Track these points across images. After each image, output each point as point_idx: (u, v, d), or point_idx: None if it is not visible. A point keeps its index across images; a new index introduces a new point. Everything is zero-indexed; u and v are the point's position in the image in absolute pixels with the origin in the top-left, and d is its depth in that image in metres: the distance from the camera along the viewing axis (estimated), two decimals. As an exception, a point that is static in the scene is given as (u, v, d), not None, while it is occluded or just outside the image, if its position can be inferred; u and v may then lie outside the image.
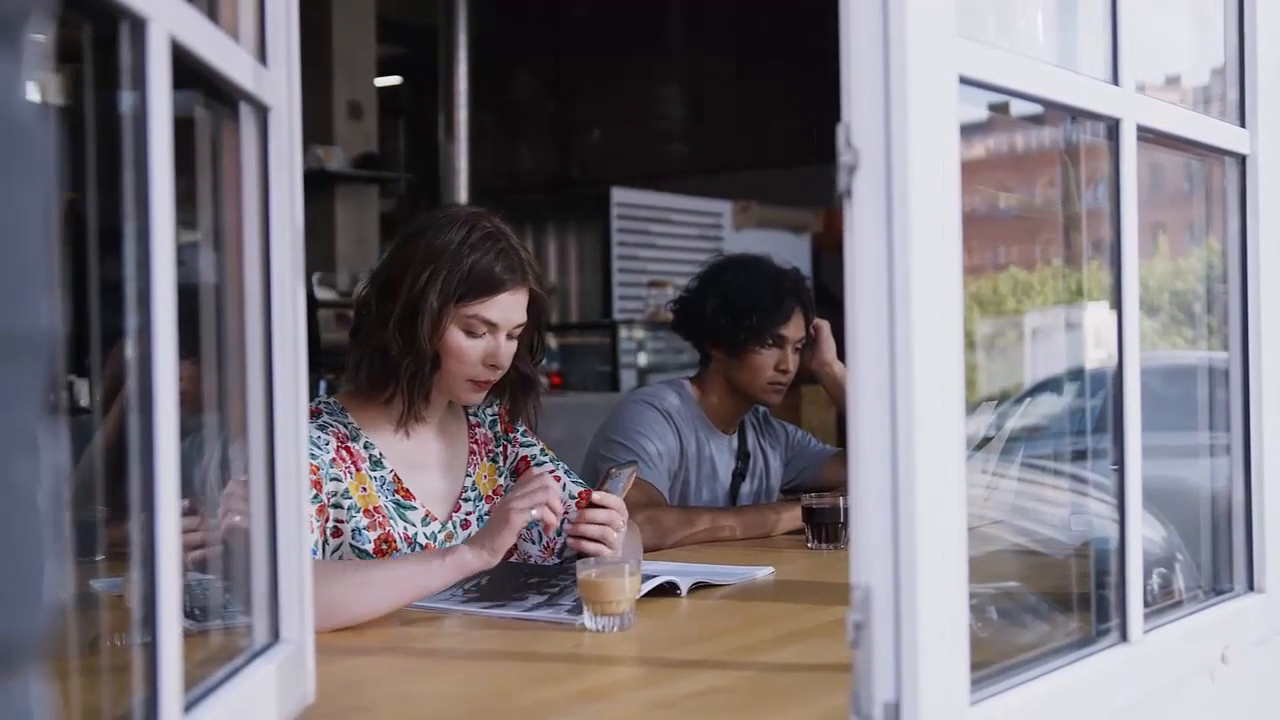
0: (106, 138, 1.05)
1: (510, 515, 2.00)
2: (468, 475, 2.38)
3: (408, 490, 2.27)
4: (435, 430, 2.34)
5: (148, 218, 1.03)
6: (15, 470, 0.57)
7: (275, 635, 1.39)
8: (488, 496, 2.38)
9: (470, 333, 2.22)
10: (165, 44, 1.04)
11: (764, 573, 2.38)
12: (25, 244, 0.58)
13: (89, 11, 0.99)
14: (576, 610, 1.93)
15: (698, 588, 2.20)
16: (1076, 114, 1.59)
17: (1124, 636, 1.54)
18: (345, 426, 2.25)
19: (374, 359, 2.23)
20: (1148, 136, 1.61)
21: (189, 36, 1.10)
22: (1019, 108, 1.57)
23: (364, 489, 2.21)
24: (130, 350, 1.04)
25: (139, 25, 1.01)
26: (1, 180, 0.58)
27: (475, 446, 2.41)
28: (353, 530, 2.18)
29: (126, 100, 1.04)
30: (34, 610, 0.58)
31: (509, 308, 2.23)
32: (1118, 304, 1.56)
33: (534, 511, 2.00)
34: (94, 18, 1.01)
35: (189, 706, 1.11)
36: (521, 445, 2.46)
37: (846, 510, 2.67)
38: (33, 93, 0.61)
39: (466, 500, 2.36)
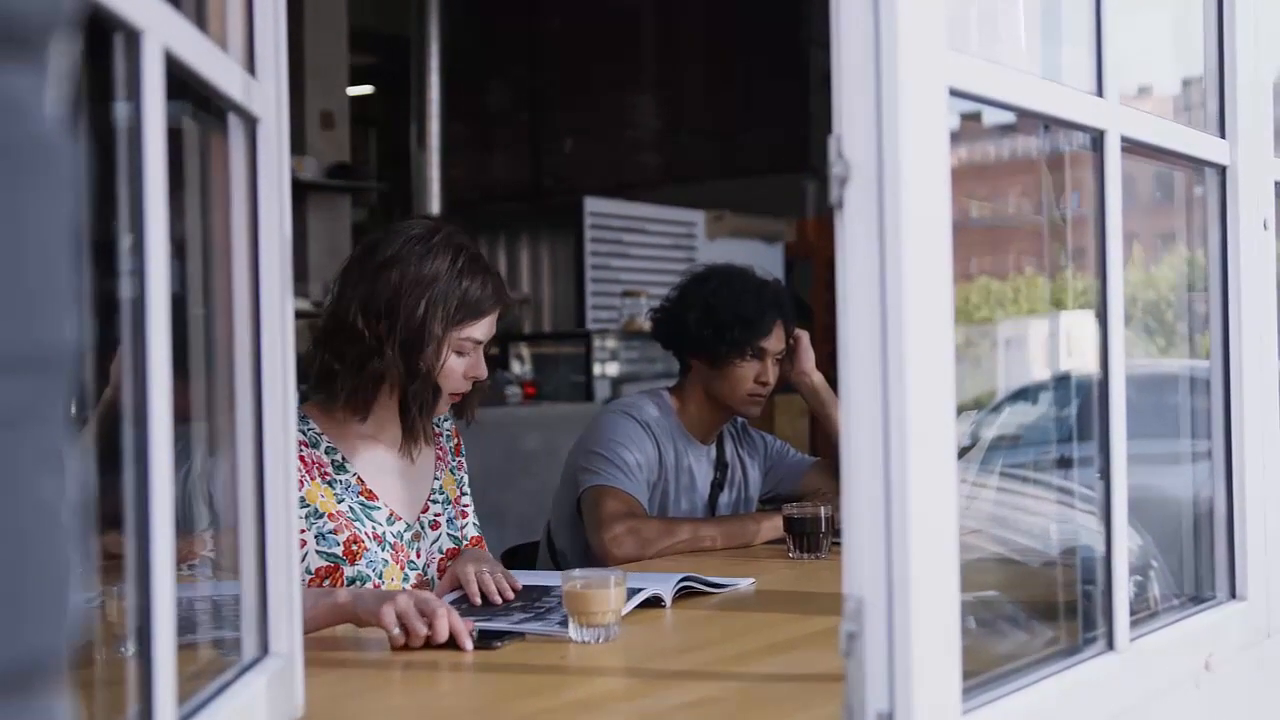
0: (99, 148, 1.05)
1: (381, 615, 1.86)
2: (435, 478, 2.44)
3: (371, 491, 2.32)
4: (399, 436, 2.37)
5: (142, 228, 1.02)
6: (42, 486, 0.57)
7: (264, 649, 1.39)
8: (454, 501, 2.47)
9: (460, 353, 2.30)
10: (159, 55, 1.04)
11: (746, 583, 2.38)
12: (51, 260, 0.58)
13: (82, 22, 0.99)
14: (565, 625, 1.92)
15: (684, 595, 2.20)
16: (1062, 125, 1.60)
17: (1111, 645, 1.55)
18: (305, 433, 2.28)
19: (370, 384, 2.27)
20: (1130, 147, 1.62)
21: (182, 48, 1.10)
22: (990, 117, 1.58)
23: (322, 495, 2.25)
24: (124, 362, 1.03)
25: (133, 37, 1.01)
26: (27, 196, 0.58)
27: (440, 453, 2.49)
28: (317, 536, 2.22)
29: (120, 111, 1.04)
30: (59, 626, 0.58)
31: (491, 324, 2.34)
32: (1103, 314, 1.57)
33: (395, 631, 1.85)
34: (87, 29, 1.01)
35: (182, 721, 1.11)
36: (465, 470, 2.56)
37: (828, 520, 2.68)
38: (56, 107, 0.60)
39: (435, 502, 2.43)
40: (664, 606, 2.14)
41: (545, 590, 2.21)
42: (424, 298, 2.24)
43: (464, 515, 2.51)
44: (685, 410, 3.11)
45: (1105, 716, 1.53)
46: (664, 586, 2.17)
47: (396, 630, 1.85)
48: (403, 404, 2.30)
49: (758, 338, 3.02)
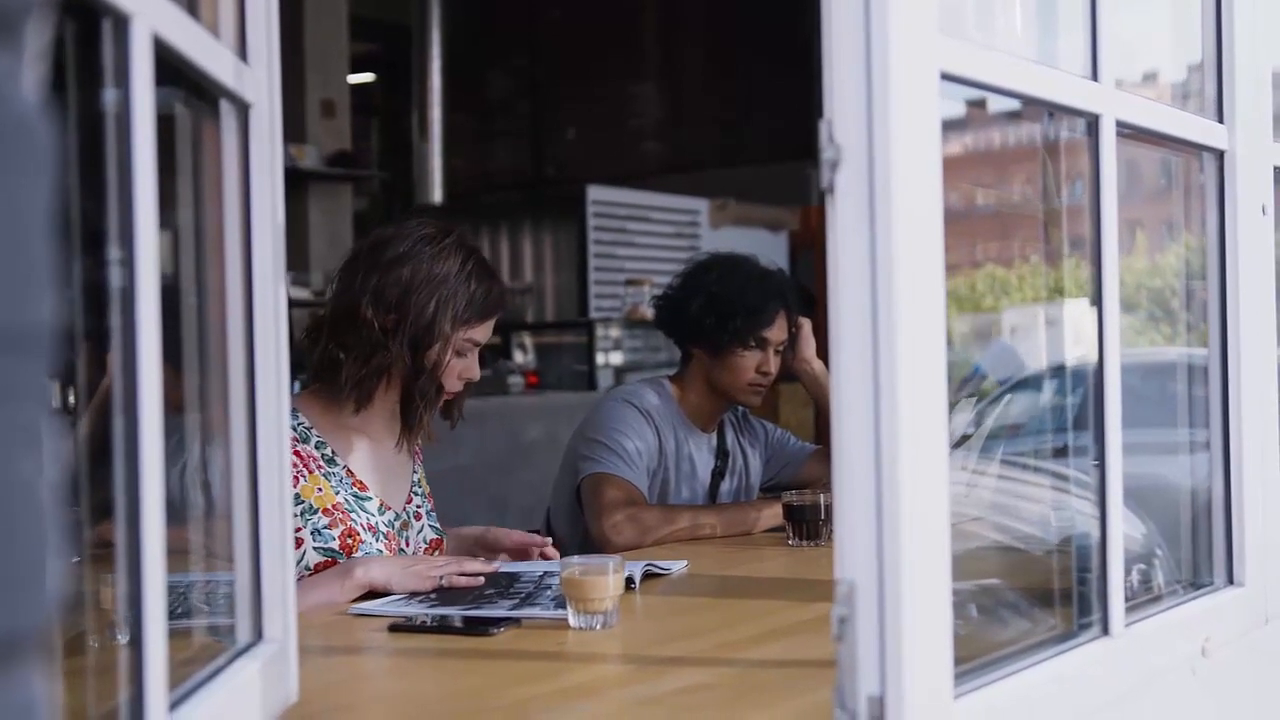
0: (87, 134, 1.05)
1: (423, 580, 2.14)
2: (415, 472, 2.50)
3: (362, 482, 2.35)
4: (385, 431, 2.41)
5: (131, 216, 1.02)
6: (20, 464, 0.57)
7: (259, 634, 1.39)
8: (429, 494, 2.53)
9: (460, 353, 2.35)
10: (148, 41, 1.04)
11: (679, 566, 2.41)
12: (29, 240, 0.58)
13: (71, 7, 0.99)
14: (560, 605, 1.93)
15: (683, 585, 2.22)
16: (1057, 110, 1.60)
17: (1105, 630, 1.55)
18: (294, 428, 2.30)
19: (374, 376, 2.31)
20: (1126, 132, 1.62)
21: (171, 33, 1.10)
22: (996, 104, 1.58)
23: (319, 489, 2.29)
24: (113, 351, 1.03)
25: (122, 22, 1.01)
26: (3, 177, 0.58)
27: (417, 450, 2.53)
28: (313, 532, 2.25)
29: (108, 97, 1.04)
30: (38, 604, 0.58)
31: (490, 328, 2.40)
32: (1098, 300, 1.56)
33: (443, 581, 2.15)
34: (75, 13, 1.01)
35: (174, 705, 1.11)
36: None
37: (827, 507, 2.68)
38: (33, 90, 0.61)
39: (416, 494, 2.48)
40: (634, 589, 2.15)
41: (515, 577, 2.22)
42: (435, 296, 2.29)
43: (419, 520, 2.53)
44: (686, 398, 3.11)
45: (1099, 701, 1.53)
46: (633, 569, 2.19)
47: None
48: (405, 398, 2.34)
49: (760, 327, 3.02)
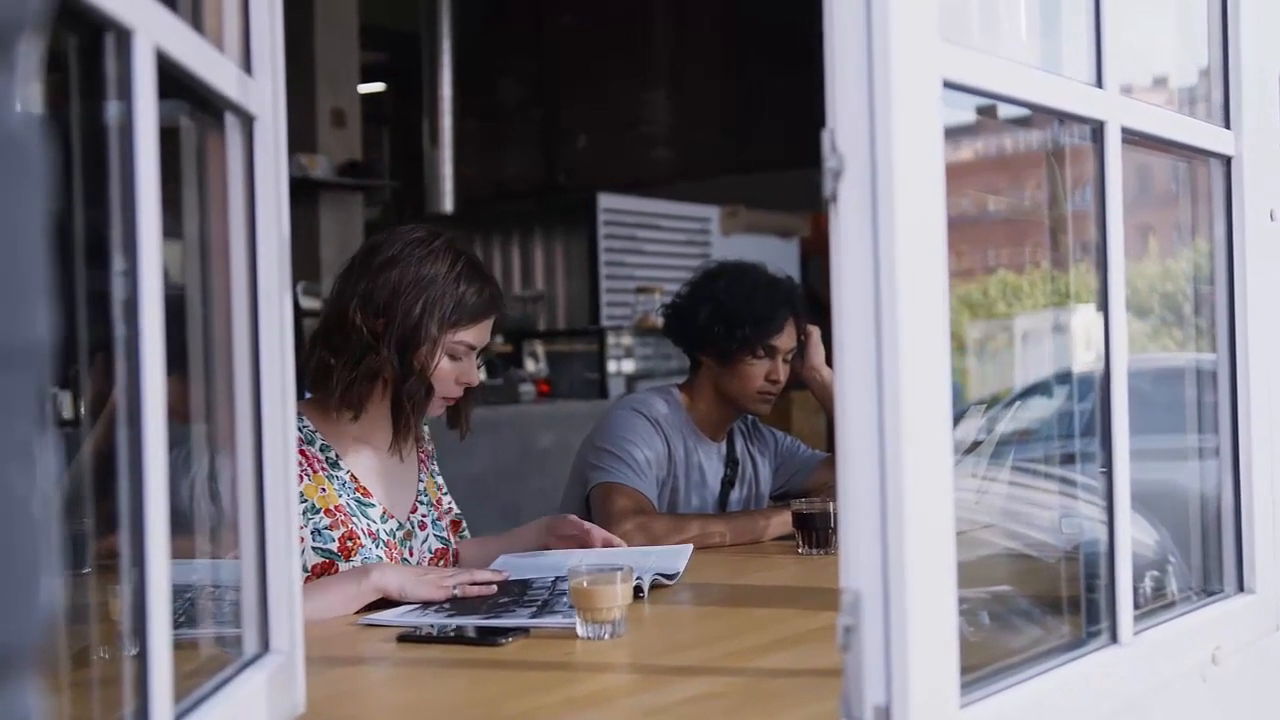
0: (91, 148, 1.05)
1: (435, 589, 2.13)
2: (420, 481, 2.49)
3: (365, 489, 2.36)
4: (386, 439, 2.41)
5: (134, 228, 1.03)
6: (12, 479, 0.57)
7: (265, 645, 1.39)
8: (435, 504, 2.51)
9: (453, 356, 2.35)
10: (150, 54, 1.04)
11: (686, 551, 2.43)
12: (21, 255, 0.58)
13: (74, 21, 0.99)
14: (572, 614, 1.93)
15: (688, 591, 2.22)
16: (1061, 116, 1.59)
17: (1114, 638, 1.54)
18: (300, 430, 2.30)
19: (364, 380, 2.30)
20: (1132, 138, 1.61)
21: (174, 46, 1.10)
22: (1006, 110, 1.57)
23: (323, 490, 2.29)
24: (118, 362, 1.03)
25: (124, 36, 1.01)
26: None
27: (423, 457, 2.53)
28: (314, 532, 2.25)
29: (112, 110, 1.04)
30: (31, 618, 0.58)
31: (487, 331, 2.39)
32: (1104, 306, 1.56)
33: (456, 591, 2.15)
34: (79, 28, 1.01)
35: (179, 717, 1.11)
36: (439, 475, 2.59)
37: (836, 515, 2.67)
38: (27, 104, 0.61)
39: (422, 503, 2.48)
40: (642, 598, 2.14)
41: (527, 584, 2.22)
42: (421, 298, 2.29)
43: (443, 516, 2.53)
44: (695, 407, 3.11)
45: (1108, 710, 1.53)
46: (642, 575, 2.18)
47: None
48: (395, 402, 2.34)
49: (769, 335, 3.01)
